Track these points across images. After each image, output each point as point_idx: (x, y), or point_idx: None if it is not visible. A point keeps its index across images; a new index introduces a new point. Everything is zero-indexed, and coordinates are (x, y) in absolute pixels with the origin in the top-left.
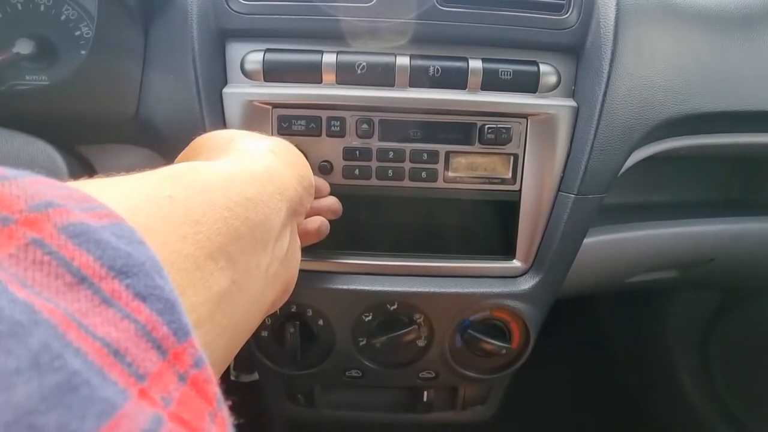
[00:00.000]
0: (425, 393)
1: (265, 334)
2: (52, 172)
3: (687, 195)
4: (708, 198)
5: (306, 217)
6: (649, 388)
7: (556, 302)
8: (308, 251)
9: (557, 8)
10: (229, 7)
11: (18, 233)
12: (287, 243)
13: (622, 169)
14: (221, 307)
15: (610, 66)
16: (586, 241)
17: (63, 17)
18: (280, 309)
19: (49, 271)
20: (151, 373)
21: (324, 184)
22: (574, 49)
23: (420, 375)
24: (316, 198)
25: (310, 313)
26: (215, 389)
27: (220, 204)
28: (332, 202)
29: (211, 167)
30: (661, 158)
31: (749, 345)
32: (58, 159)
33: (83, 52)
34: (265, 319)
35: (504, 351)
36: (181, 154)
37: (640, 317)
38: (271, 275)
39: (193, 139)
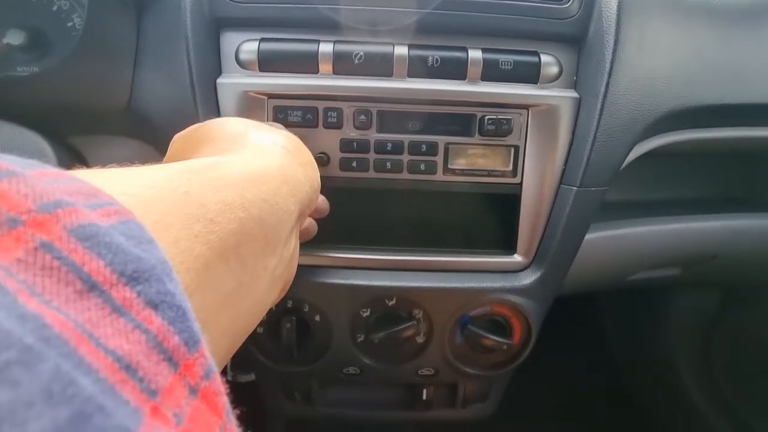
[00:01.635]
0: (424, 390)
1: (260, 330)
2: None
3: (689, 192)
4: (710, 195)
5: None
6: (651, 386)
7: (557, 300)
8: (305, 245)
9: None
10: None
11: (26, 236)
12: (293, 244)
13: (625, 163)
14: (226, 308)
15: (613, 56)
16: (587, 236)
17: (55, 8)
18: (275, 305)
19: (59, 278)
20: (163, 388)
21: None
22: (576, 39)
23: (419, 372)
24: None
25: (306, 308)
26: (224, 400)
27: (236, 204)
28: (320, 201)
29: (228, 164)
30: (664, 154)
31: (752, 343)
32: (47, 150)
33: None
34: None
35: (505, 347)
36: (185, 134)
37: (641, 316)
38: (277, 277)
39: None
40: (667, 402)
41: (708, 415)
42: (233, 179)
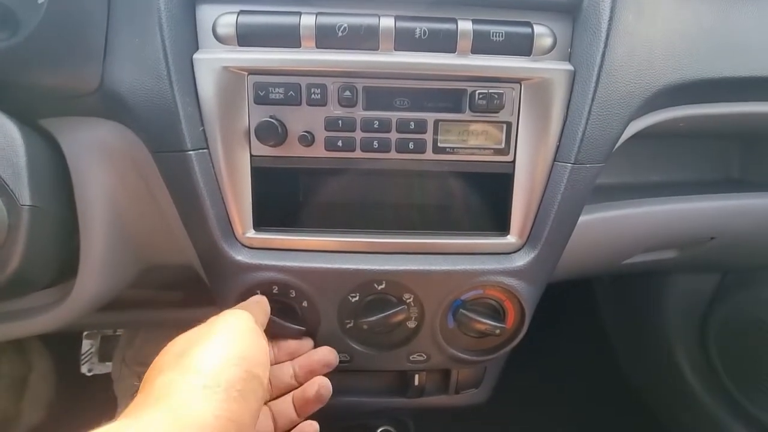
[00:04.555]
0: (416, 376)
1: None
2: (7, 146)
3: (686, 174)
4: (707, 177)
5: (299, 380)
6: (648, 370)
7: (554, 289)
8: (290, 229)
9: None
10: None
11: None
12: None
13: (621, 140)
14: None
15: (609, 24)
16: (582, 218)
17: None
18: (260, 291)
19: None
20: None
21: (302, 345)
22: (571, 9)
23: (410, 358)
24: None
25: (293, 294)
26: None
27: None
28: (325, 353)
29: None
30: (659, 135)
31: (747, 326)
32: (14, 132)
33: None
34: None
35: (498, 331)
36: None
37: (638, 301)
38: None
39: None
40: (663, 385)
41: (703, 397)
42: None
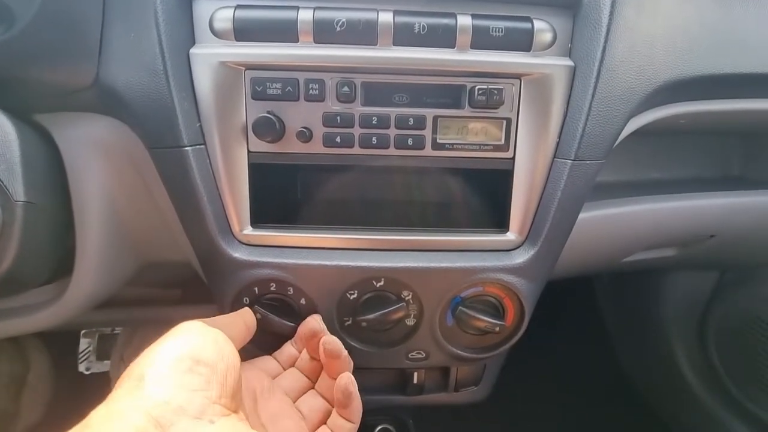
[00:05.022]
0: (415, 374)
1: None
2: (1, 142)
3: (686, 172)
4: (707, 175)
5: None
6: (647, 369)
7: (554, 287)
8: (289, 226)
9: None
10: None
11: None
12: None
13: (621, 137)
14: None
15: (610, 19)
16: (582, 216)
17: None
18: (258, 288)
19: None
20: None
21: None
22: (571, 4)
23: (409, 355)
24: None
25: (291, 291)
26: None
27: None
28: (309, 322)
29: None
30: (661, 132)
31: (745, 323)
32: (8, 127)
33: None
34: (243, 299)
35: (498, 329)
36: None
37: (638, 301)
38: None
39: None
40: (662, 383)
41: (702, 394)
42: None
